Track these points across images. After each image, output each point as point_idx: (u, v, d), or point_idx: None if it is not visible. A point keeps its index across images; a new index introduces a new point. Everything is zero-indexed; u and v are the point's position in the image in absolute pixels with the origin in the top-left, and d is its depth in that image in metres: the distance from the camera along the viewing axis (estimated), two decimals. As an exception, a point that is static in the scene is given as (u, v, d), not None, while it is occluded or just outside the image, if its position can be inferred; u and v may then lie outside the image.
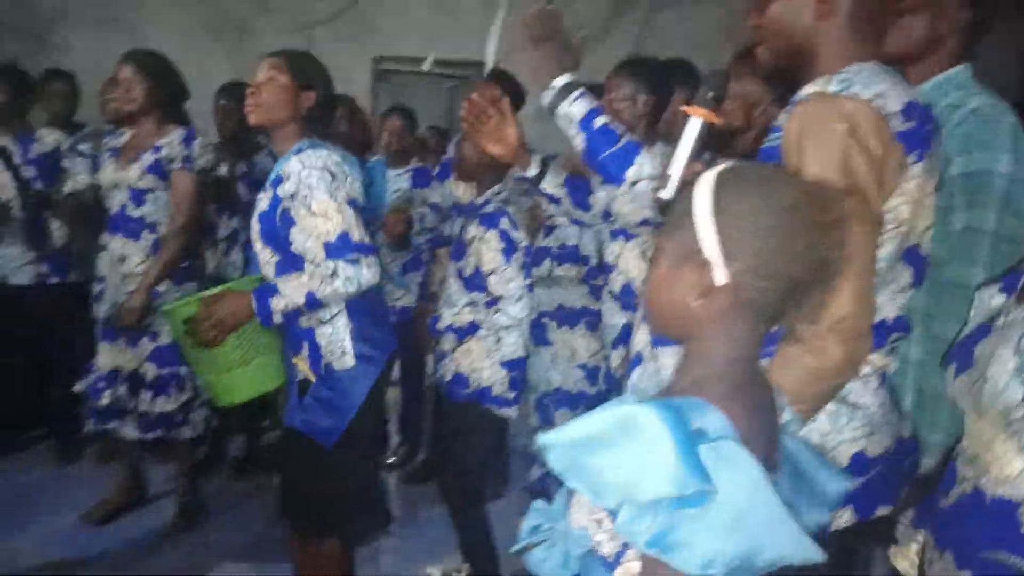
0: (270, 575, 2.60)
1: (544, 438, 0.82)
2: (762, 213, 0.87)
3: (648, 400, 0.81)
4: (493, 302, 2.38)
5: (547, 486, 3.16)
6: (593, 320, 2.86)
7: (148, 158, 2.76)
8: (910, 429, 1.47)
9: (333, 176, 1.92)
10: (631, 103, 2.38)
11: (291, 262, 1.97)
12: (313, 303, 1.92)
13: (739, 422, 0.80)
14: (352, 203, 1.94)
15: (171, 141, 2.77)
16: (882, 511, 1.33)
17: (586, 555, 0.90)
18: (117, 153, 2.83)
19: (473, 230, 2.43)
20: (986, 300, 1.13)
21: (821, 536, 0.85)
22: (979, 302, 1.15)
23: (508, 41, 4.60)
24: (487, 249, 2.36)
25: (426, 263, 3.64)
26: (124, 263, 2.78)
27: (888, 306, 1.28)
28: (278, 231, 1.96)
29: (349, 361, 1.98)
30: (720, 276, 0.88)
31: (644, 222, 2.18)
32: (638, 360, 2.06)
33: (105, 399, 2.78)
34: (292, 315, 1.96)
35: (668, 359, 1.99)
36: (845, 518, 1.29)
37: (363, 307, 2.01)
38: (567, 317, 2.90)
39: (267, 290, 1.94)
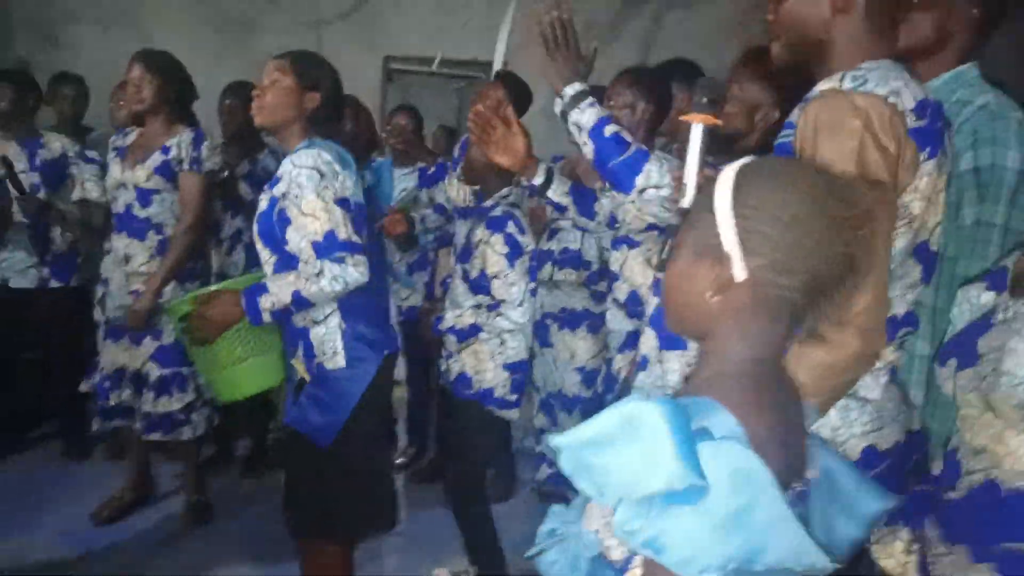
0: (278, 574, 2.60)
1: (555, 440, 0.80)
2: (784, 206, 0.84)
3: (654, 398, 0.79)
4: (496, 306, 2.39)
5: (556, 487, 3.17)
6: (595, 323, 2.86)
7: (156, 159, 2.77)
8: (919, 422, 1.47)
9: (322, 175, 1.92)
10: (631, 111, 2.40)
11: (287, 262, 1.97)
12: (300, 302, 1.92)
13: (751, 424, 0.78)
14: (342, 202, 1.94)
15: (180, 142, 2.78)
16: None
17: (596, 559, 0.89)
18: (123, 153, 2.84)
19: (479, 233, 2.44)
20: (973, 297, 1.13)
21: (855, 551, 0.83)
22: (964, 300, 1.15)
23: (516, 42, 4.62)
24: (492, 252, 2.37)
25: (432, 263, 3.64)
26: (129, 263, 2.80)
27: (898, 301, 1.29)
28: (275, 231, 1.97)
29: (340, 361, 1.98)
30: (738, 271, 0.85)
31: (650, 228, 2.19)
32: (644, 363, 2.07)
33: (112, 399, 2.81)
34: (287, 315, 1.97)
35: (674, 363, 2.00)
36: None
37: (358, 307, 2.01)
38: (569, 319, 2.91)
39: (256, 289, 1.95)
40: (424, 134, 4.01)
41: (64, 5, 5.19)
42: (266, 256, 2.04)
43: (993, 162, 1.52)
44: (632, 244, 2.34)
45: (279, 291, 1.92)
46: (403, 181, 3.71)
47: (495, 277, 2.37)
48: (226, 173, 3.14)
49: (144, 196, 2.78)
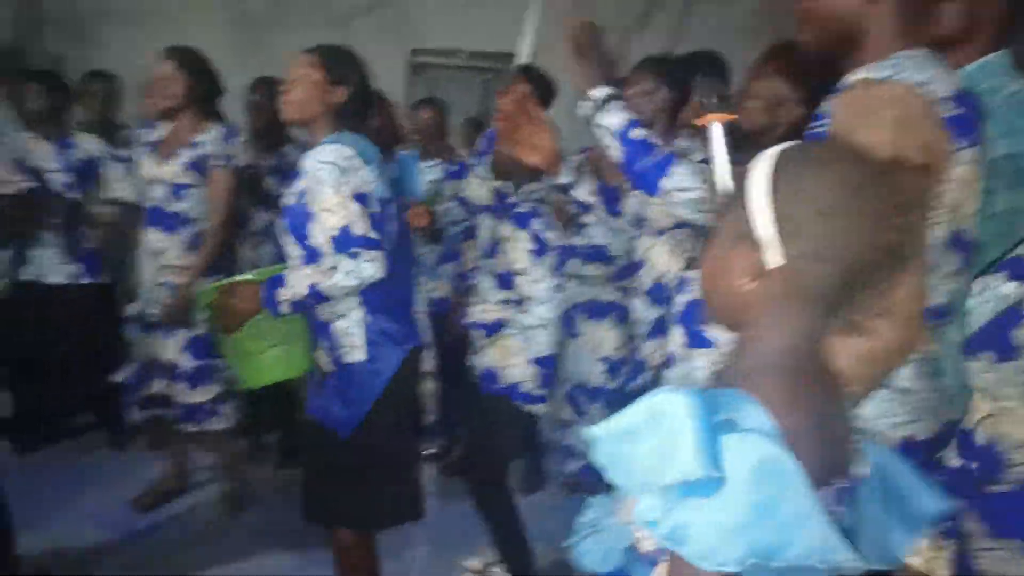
0: (312, 561, 2.65)
1: (589, 431, 0.79)
2: (821, 191, 0.81)
3: (682, 390, 0.77)
4: (521, 302, 2.39)
5: (584, 479, 3.18)
6: (621, 314, 2.85)
7: (187, 154, 2.82)
8: (958, 412, 1.46)
9: (341, 170, 1.93)
10: (650, 98, 2.41)
11: (312, 256, 1.99)
12: (316, 296, 1.94)
13: (782, 418, 0.75)
14: (359, 197, 1.95)
15: (211, 138, 2.83)
16: None
17: (628, 551, 0.88)
18: (154, 148, 2.88)
19: (505, 229, 2.44)
20: (994, 287, 1.11)
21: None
22: (984, 289, 1.14)
23: (541, 36, 4.60)
24: (518, 249, 2.38)
25: (460, 254, 3.65)
26: (162, 256, 2.85)
27: (935, 291, 1.27)
28: (301, 226, 2.00)
29: (360, 355, 2.01)
30: (773, 258, 0.82)
31: (677, 226, 2.19)
32: (671, 360, 2.06)
33: (146, 389, 2.87)
34: (310, 307, 2.00)
35: (702, 359, 1.99)
36: None
37: (381, 301, 2.03)
38: (595, 310, 2.90)
39: (275, 281, 1.97)
40: (449, 127, 4.01)
41: (95, 3, 5.27)
42: (293, 250, 2.07)
43: None
44: (660, 232, 2.34)
45: (296, 284, 1.94)
46: (428, 174, 3.71)
47: (521, 274, 2.37)
48: (252, 168, 3.17)
49: (176, 191, 2.82)
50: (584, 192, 2.06)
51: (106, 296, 3.43)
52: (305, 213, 1.98)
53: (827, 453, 0.80)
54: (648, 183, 1.80)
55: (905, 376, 1.27)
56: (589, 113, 1.84)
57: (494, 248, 2.49)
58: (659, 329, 2.47)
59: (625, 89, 2.38)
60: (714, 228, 0.92)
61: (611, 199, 2.15)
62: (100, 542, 2.79)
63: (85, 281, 3.39)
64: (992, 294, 1.12)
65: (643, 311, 2.54)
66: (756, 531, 0.70)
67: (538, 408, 2.48)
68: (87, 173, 3.37)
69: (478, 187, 3.07)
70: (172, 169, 2.81)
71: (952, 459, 1.27)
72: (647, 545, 0.85)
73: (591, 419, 2.99)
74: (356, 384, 2.03)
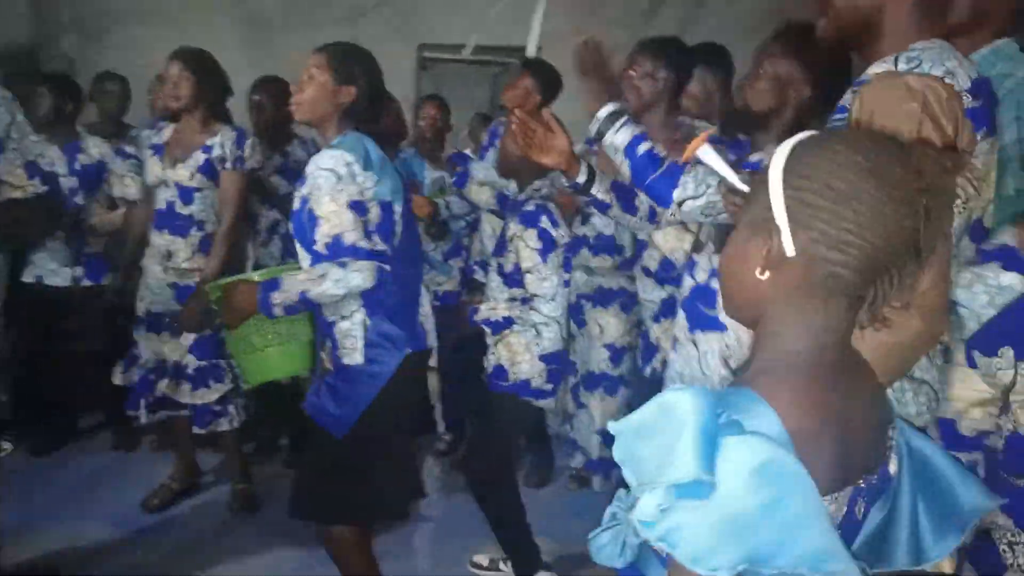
0: (320, 560, 2.64)
1: (611, 426, 0.78)
2: (837, 176, 0.78)
3: (693, 388, 0.76)
4: (529, 299, 2.39)
5: (590, 473, 3.18)
6: (627, 302, 2.85)
7: (199, 157, 2.82)
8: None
9: (339, 178, 1.93)
10: (651, 79, 2.42)
11: (316, 259, 2.00)
12: (307, 302, 1.96)
13: (793, 419, 0.73)
14: (355, 205, 1.95)
15: (223, 141, 2.83)
16: None
17: (643, 546, 0.87)
18: (161, 150, 2.88)
19: (513, 227, 2.44)
20: (991, 279, 1.09)
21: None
22: (977, 281, 1.11)
23: (548, 30, 4.60)
24: (525, 247, 2.37)
25: (466, 248, 3.64)
26: (171, 259, 2.85)
27: (956, 281, 1.26)
28: (305, 230, 2.00)
29: (358, 358, 2.01)
30: (788, 246, 0.79)
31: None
32: (674, 344, 2.07)
33: (157, 390, 2.87)
34: (304, 310, 2.02)
35: (713, 344, 1.99)
36: None
37: (384, 304, 2.03)
38: (601, 297, 2.90)
39: (271, 284, 1.99)
40: (453, 123, 4.02)
41: (109, 5, 5.30)
42: (301, 253, 2.07)
43: None
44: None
45: (289, 289, 1.96)
46: (431, 171, 3.72)
47: (528, 272, 2.37)
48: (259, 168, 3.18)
49: (187, 194, 2.83)
50: (601, 191, 2.07)
51: (109, 298, 3.42)
52: (308, 218, 1.98)
53: (846, 453, 0.77)
54: (660, 195, 1.85)
55: (923, 367, 1.24)
56: (597, 131, 1.89)
57: (502, 246, 2.48)
58: (666, 310, 2.45)
59: (626, 71, 2.39)
60: (736, 218, 0.90)
61: (625, 197, 2.16)
62: (108, 542, 2.80)
63: (86, 284, 3.40)
64: (988, 286, 1.10)
65: (649, 292, 2.53)
66: (750, 536, 0.68)
67: (547, 403, 2.48)
68: (94, 177, 3.38)
69: (477, 192, 3.10)
70: (184, 172, 2.81)
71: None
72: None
73: (589, 406, 2.99)
74: (352, 386, 2.03)
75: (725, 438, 0.70)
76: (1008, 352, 1.08)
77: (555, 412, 3.20)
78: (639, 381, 2.72)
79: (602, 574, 0.92)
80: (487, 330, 2.49)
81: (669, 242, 2.34)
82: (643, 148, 1.85)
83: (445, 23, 5.33)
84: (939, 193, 0.78)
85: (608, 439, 2.63)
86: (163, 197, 2.85)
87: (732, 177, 1.42)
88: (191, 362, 2.88)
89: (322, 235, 1.94)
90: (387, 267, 2.01)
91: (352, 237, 1.94)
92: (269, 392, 3.04)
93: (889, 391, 1.21)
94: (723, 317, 2.00)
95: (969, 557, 1.27)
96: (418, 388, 2.27)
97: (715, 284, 2.02)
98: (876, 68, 1.28)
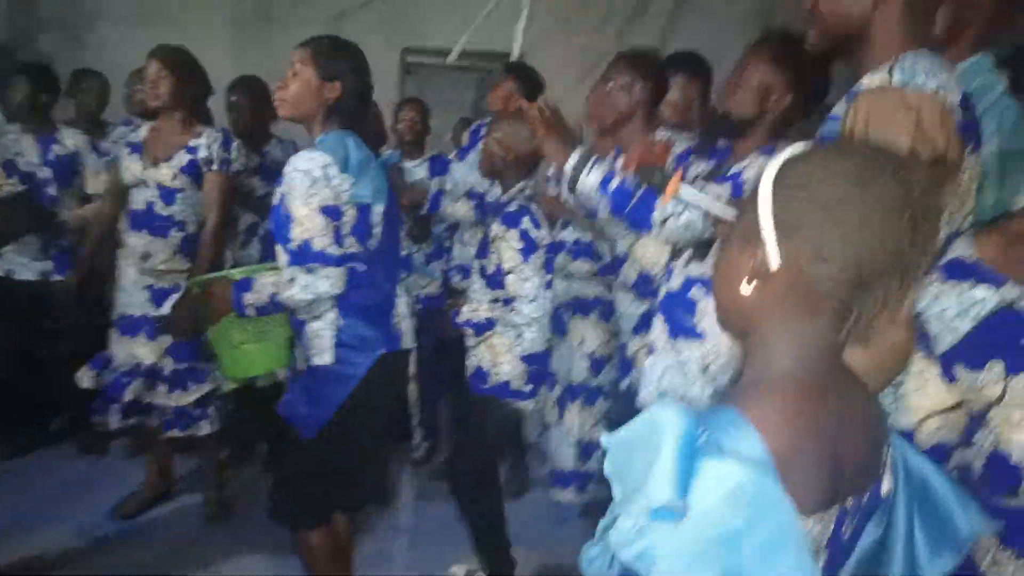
0: (294, 567, 2.61)
1: (603, 439, 0.77)
2: (823, 186, 0.76)
3: (677, 406, 0.75)
4: (511, 300, 2.38)
5: (556, 487, 3.17)
6: (606, 311, 2.84)
7: (183, 158, 2.77)
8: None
9: (313, 181, 1.90)
10: (627, 91, 2.44)
11: (291, 258, 1.98)
12: (276, 305, 1.96)
13: (776, 439, 0.72)
14: (328, 210, 1.92)
15: (209, 143, 2.79)
16: None
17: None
18: (139, 149, 2.82)
19: (495, 228, 2.44)
20: (964, 292, 1.09)
21: None
22: (949, 294, 1.11)
23: (534, 34, 4.59)
24: (507, 248, 2.37)
25: (447, 251, 3.63)
26: (148, 260, 2.80)
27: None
28: (281, 228, 1.98)
29: (328, 359, 2.01)
30: (773, 257, 0.78)
31: None
32: (652, 349, 2.08)
33: (129, 394, 2.80)
34: (275, 312, 2.01)
35: (693, 352, 1.99)
36: None
37: (357, 305, 2.02)
38: (581, 306, 2.90)
39: (244, 285, 1.98)
40: (432, 127, 4.01)
41: (89, 4, 5.24)
42: (278, 250, 2.05)
43: (1017, 146, 1.55)
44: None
45: (261, 291, 1.94)
46: (413, 173, 3.70)
47: (510, 272, 2.37)
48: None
49: (168, 194, 2.78)
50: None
51: (79, 293, 3.34)
52: (285, 216, 1.96)
53: (833, 472, 0.76)
54: (640, 220, 1.93)
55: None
56: (570, 182, 1.98)
57: (485, 247, 2.47)
58: (645, 324, 2.46)
59: (602, 84, 2.43)
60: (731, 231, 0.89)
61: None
62: (79, 548, 2.75)
63: (56, 279, 3.34)
64: (958, 299, 1.09)
65: (628, 306, 2.53)
66: (722, 560, 0.67)
67: (526, 404, 2.48)
68: (68, 169, 3.33)
69: (453, 209, 3.10)
70: (166, 172, 2.77)
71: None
72: None
73: (568, 416, 2.98)
74: (323, 386, 2.02)
75: (703, 460, 0.69)
76: (996, 366, 1.06)
77: (534, 422, 3.19)
78: (617, 392, 2.71)
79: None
80: (469, 331, 2.48)
81: (648, 255, 2.34)
82: (614, 183, 1.95)
83: (429, 27, 5.31)
84: (928, 208, 0.77)
85: (586, 450, 2.64)
86: (142, 197, 2.79)
87: (716, 207, 1.43)
88: (168, 364, 2.83)
89: (294, 237, 1.93)
90: (361, 267, 1.99)
91: (321, 243, 1.92)
92: (246, 395, 3.00)
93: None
94: (702, 326, 2.00)
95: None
96: (394, 390, 2.24)
97: (693, 293, 2.02)
98: (870, 78, 1.29)
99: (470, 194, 3.25)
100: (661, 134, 2.53)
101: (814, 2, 1.36)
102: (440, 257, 3.65)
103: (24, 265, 3.31)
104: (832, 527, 0.77)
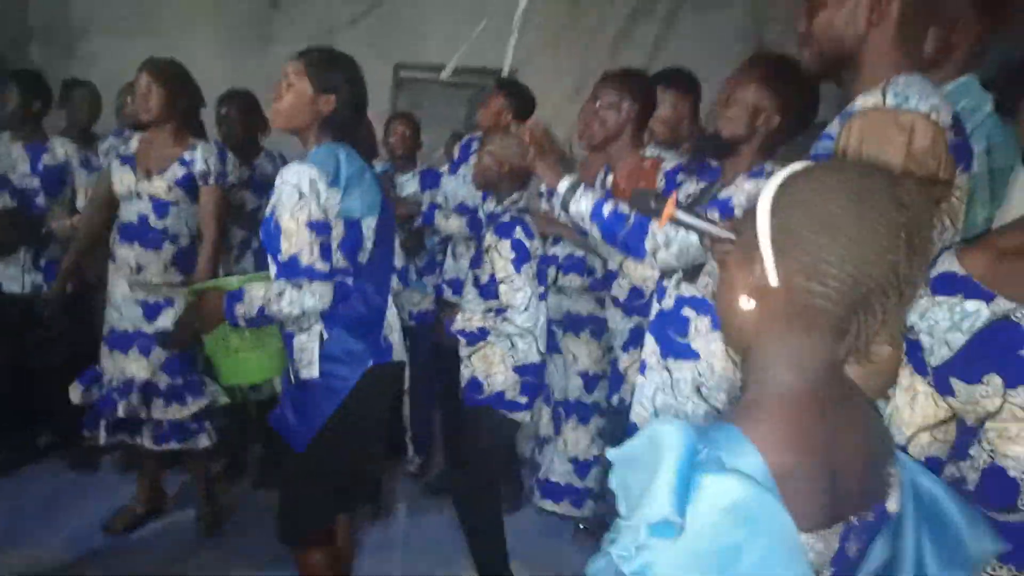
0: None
1: (608, 454, 0.78)
2: (819, 206, 0.77)
3: (677, 422, 0.75)
4: (503, 310, 2.40)
5: (544, 499, 3.17)
6: (598, 328, 2.86)
7: (177, 171, 2.76)
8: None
9: (301, 195, 1.90)
10: (615, 110, 2.50)
11: (280, 270, 1.98)
12: (266, 319, 1.95)
13: (775, 457, 0.73)
14: (315, 225, 1.91)
15: (206, 156, 2.79)
16: None
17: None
18: (131, 161, 2.80)
19: (489, 238, 2.46)
20: (955, 306, 1.10)
21: None
22: (941, 307, 1.12)
23: (526, 49, 4.62)
24: (499, 258, 2.39)
25: (440, 264, 3.64)
26: (139, 273, 2.78)
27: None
28: (272, 240, 1.97)
29: (314, 372, 2.00)
30: (771, 275, 0.79)
31: None
32: (643, 368, 2.11)
33: (121, 410, 2.75)
34: (265, 324, 2.01)
35: (685, 372, 2.01)
36: None
37: (345, 318, 2.01)
38: (572, 323, 2.91)
39: (236, 295, 1.97)
40: (422, 142, 4.03)
41: (81, 15, 5.24)
42: (271, 263, 2.04)
43: (1007, 164, 1.58)
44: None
45: (250, 303, 1.94)
46: (405, 187, 3.71)
47: (502, 282, 2.38)
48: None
49: (162, 207, 2.77)
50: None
51: (70, 305, 3.28)
52: (275, 229, 1.96)
53: (834, 488, 0.77)
54: (633, 248, 1.93)
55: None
56: (561, 204, 1.99)
57: (479, 258, 2.50)
58: (634, 340, 2.48)
59: (591, 103, 2.46)
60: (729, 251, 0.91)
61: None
62: (69, 564, 2.72)
63: (47, 291, 3.28)
64: (949, 311, 1.10)
65: (618, 321, 2.55)
66: (722, 574, 0.68)
67: (521, 416, 2.47)
68: (57, 179, 3.32)
69: (447, 224, 3.11)
70: (160, 185, 2.75)
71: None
72: None
73: (565, 434, 2.99)
74: (310, 399, 2.01)
75: (702, 476, 0.71)
76: (995, 379, 1.06)
77: (528, 436, 3.19)
78: (610, 408, 2.72)
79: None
80: (462, 341, 2.49)
81: (639, 271, 2.36)
82: (607, 209, 1.95)
83: (421, 42, 5.34)
84: (923, 225, 0.78)
85: (581, 467, 2.64)
86: (134, 210, 2.77)
87: (712, 229, 1.44)
88: (163, 379, 2.80)
89: (283, 250, 1.92)
90: (349, 280, 1.99)
91: (308, 258, 1.91)
92: (239, 408, 2.99)
93: None
94: (694, 345, 2.01)
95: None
96: (385, 402, 2.22)
97: (685, 311, 2.03)
98: (864, 99, 1.30)
99: (461, 208, 3.27)
100: (650, 151, 2.57)
101: (808, 25, 1.38)
102: (433, 271, 3.66)
103: (13, 278, 3.28)
104: (837, 544, 0.78)
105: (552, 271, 2.83)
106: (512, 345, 2.39)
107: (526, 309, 2.37)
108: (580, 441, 2.96)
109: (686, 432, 0.72)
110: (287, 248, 1.91)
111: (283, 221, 1.90)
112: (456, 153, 3.60)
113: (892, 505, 0.83)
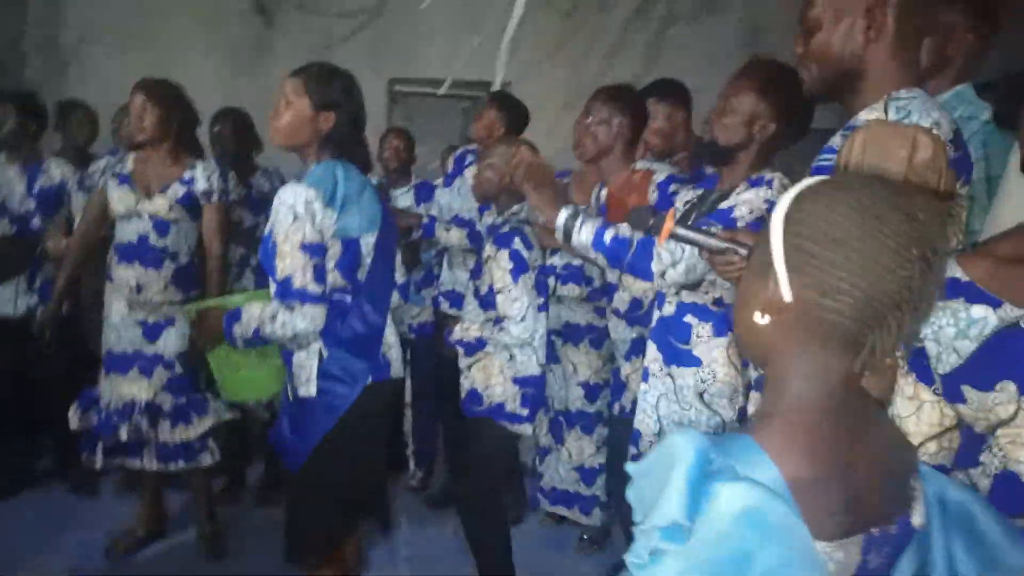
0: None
1: (628, 467, 0.78)
2: (832, 222, 0.77)
3: (691, 432, 0.76)
4: (500, 320, 2.40)
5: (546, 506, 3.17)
6: (597, 338, 2.86)
7: (178, 190, 2.76)
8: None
9: (295, 217, 1.89)
10: (607, 125, 2.52)
11: (277, 289, 1.97)
12: (261, 340, 1.94)
13: (790, 467, 0.73)
14: (309, 247, 1.90)
15: (208, 175, 2.79)
16: None
17: None
18: (128, 180, 2.79)
19: (488, 249, 2.46)
20: (960, 312, 1.10)
21: None
22: (947, 315, 1.12)
23: (519, 63, 4.64)
24: (497, 268, 2.39)
25: (437, 277, 3.64)
26: (140, 292, 2.75)
27: None
28: (269, 258, 1.96)
29: (311, 390, 1.98)
30: (785, 291, 0.80)
31: None
32: (645, 375, 2.12)
33: (122, 433, 2.72)
34: (261, 344, 2.00)
35: (688, 378, 2.01)
36: None
37: (343, 336, 2.00)
38: (571, 334, 2.92)
39: (234, 315, 1.98)
40: (417, 156, 4.05)
41: (77, 31, 5.24)
42: (270, 282, 2.03)
43: (1003, 172, 1.57)
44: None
45: (247, 323, 1.94)
46: (400, 201, 3.72)
47: (499, 292, 2.39)
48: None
49: (163, 226, 2.76)
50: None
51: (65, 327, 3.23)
52: (272, 248, 1.95)
53: (852, 499, 0.77)
54: (641, 271, 1.92)
55: (898, 405, 1.26)
56: (563, 236, 1.99)
57: (479, 268, 2.51)
58: (637, 349, 2.48)
59: (583, 119, 2.49)
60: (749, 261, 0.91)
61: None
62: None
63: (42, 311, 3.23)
64: (954, 318, 1.10)
65: (620, 332, 2.56)
66: None
67: (523, 428, 2.46)
68: (53, 200, 3.31)
69: (447, 236, 3.12)
70: (161, 204, 2.74)
71: None
72: None
73: (567, 444, 2.99)
74: (308, 417, 2.00)
75: (715, 484, 0.71)
76: (1009, 386, 1.06)
77: (529, 446, 3.18)
78: (612, 417, 2.72)
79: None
80: (461, 351, 2.49)
81: (638, 282, 2.37)
82: (609, 236, 1.95)
83: (415, 57, 5.36)
84: (935, 242, 0.77)
85: (588, 475, 2.64)
86: (133, 229, 2.75)
87: (711, 242, 1.45)
88: (167, 401, 2.78)
89: (279, 270, 1.92)
90: (348, 298, 1.99)
91: (301, 280, 1.89)
92: (240, 425, 2.97)
93: None
94: (696, 352, 2.02)
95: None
96: (384, 419, 2.21)
97: (687, 318, 2.04)
98: (866, 114, 1.32)
99: (457, 220, 3.27)
100: (642, 164, 2.58)
101: (805, 47, 1.40)
102: (431, 284, 3.66)
103: (7, 300, 3.26)
104: (858, 556, 0.78)
105: (550, 281, 2.83)
106: (511, 356, 2.39)
107: (522, 320, 2.36)
108: (585, 449, 2.96)
109: (699, 442, 0.73)
110: (282, 269, 1.90)
111: (279, 242, 1.90)
112: (450, 166, 3.60)
113: (917, 519, 0.83)
